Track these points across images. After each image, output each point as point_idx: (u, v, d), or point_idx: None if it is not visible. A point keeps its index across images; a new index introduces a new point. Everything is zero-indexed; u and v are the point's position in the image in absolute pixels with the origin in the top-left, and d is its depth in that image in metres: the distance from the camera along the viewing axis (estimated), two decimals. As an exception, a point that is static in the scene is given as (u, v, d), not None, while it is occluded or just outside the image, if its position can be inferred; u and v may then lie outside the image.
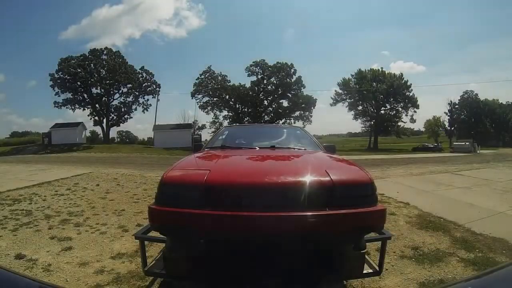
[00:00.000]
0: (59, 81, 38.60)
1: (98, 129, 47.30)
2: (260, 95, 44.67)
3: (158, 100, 44.32)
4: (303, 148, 2.93)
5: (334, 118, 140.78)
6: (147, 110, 44.89)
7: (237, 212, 1.53)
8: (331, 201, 1.57)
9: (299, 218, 1.49)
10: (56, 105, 39.94)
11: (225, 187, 1.65)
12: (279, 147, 2.89)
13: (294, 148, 2.91)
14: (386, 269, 2.98)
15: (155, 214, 1.71)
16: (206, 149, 2.96)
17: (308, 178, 1.63)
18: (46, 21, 78.81)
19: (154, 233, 2.43)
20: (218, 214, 1.53)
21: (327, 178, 1.63)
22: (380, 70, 52.37)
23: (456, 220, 4.75)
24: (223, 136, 3.44)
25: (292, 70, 43.16)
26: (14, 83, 74.26)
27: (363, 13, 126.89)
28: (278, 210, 1.51)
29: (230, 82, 43.59)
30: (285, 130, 3.87)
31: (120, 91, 42.88)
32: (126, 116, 44.38)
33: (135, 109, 44.82)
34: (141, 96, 43.97)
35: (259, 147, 2.87)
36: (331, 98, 53.41)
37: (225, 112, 45.43)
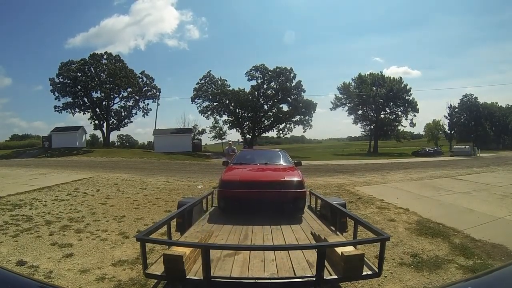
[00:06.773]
0: (59, 85, 38.54)
1: (98, 133, 47.31)
2: (260, 99, 44.19)
3: (158, 104, 44.20)
4: (281, 163, 5.40)
5: (334, 123, 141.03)
6: (147, 115, 44.82)
7: (251, 190, 3.93)
8: (284, 187, 3.96)
9: (273, 192, 3.88)
10: (56, 109, 39.97)
11: (246, 181, 4.10)
12: (269, 163, 5.29)
13: (276, 164, 5.33)
14: (385, 277, 3.01)
15: (220, 192, 4.09)
16: (231, 164, 5.39)
17: (277, 179, 4.17)
18: (55, 28, 79.63)
19: (154, 236, 2.46)
20: (245, 191, 3.94)
21: (284, 179, 4.13)
22: (380, 74, 52.70)
23: (455, 226, 4.77)
24: (240, 156, 6.04)
25: (292, 75, 42.80)
26: (20, 87, 75.06)
27: (355, 21, 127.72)
28: (266, 189, 3.91)
29: (229, 86, 43.17)
30: (273, 152, 6.28)
31: (120, 95, 42.67)
32: (126, 120, 44.18)
33: (135, 113, 44.65)
34: (141, 100, 43.79)
35: (259, 163, 5.28)
36: (331, 102, 53.50)
37: (225, 117, 44.70)
